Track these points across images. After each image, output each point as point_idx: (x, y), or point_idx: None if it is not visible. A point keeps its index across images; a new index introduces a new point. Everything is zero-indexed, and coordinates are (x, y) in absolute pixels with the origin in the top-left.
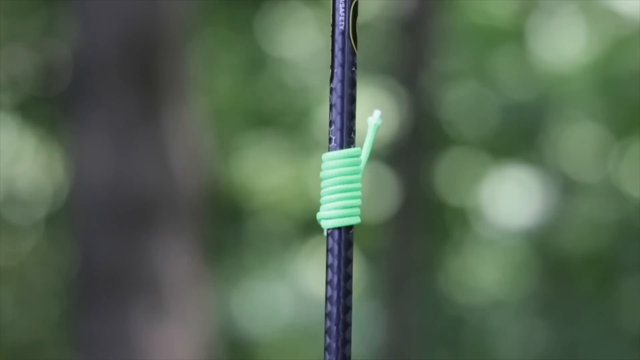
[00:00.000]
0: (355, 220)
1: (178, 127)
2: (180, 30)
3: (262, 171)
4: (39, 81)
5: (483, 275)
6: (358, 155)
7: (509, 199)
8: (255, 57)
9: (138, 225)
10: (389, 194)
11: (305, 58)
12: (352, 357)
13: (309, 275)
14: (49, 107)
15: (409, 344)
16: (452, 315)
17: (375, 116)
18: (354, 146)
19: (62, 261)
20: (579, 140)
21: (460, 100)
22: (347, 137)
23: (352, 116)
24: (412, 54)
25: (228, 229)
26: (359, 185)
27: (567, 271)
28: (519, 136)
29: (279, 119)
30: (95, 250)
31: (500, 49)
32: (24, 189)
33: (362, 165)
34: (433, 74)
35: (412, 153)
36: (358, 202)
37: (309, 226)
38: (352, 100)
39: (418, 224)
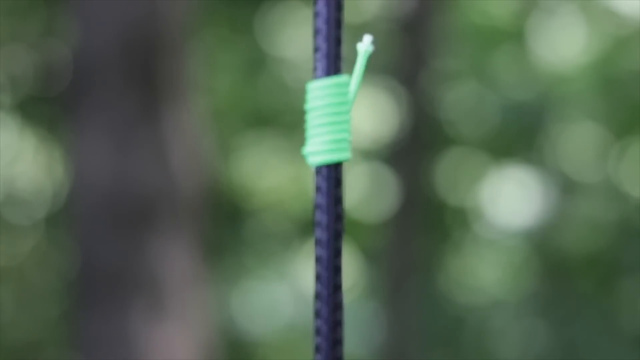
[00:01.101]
0: (345, 155)
1: (178, 127)
2: (180, 30)
3: (262, 171)
4: (39, 81)
5: (483, 275)
6: (347, 84)
7: (509, 199)
8: (255, 57)
9: (138, 225)
10: (389, 194)
11: (305, 58)
12: (352, 357)
13: (309, 275)
14: (49, 107)
15: (409, 344)
16: (452, 315)
17: (365, 42)
18: (341, 74)
19: (62, 261)
20: (579, 140)
21: (460, 100)
22: (334, 65)
23: (338, 42)
24: (412, 54)
25: (228, 229)
26: (348, 117)
27: (567, 271)
28: (519, 136)
29: (279, 119)
30: (95, 250)
31: (500, 49)
32: (24, 189)
33: (351, 96)
34: (433, 74)
35: (412, 153)
36: (347, 135)
37: (309, 226)
38: (339, 25)
39: (418, 224)
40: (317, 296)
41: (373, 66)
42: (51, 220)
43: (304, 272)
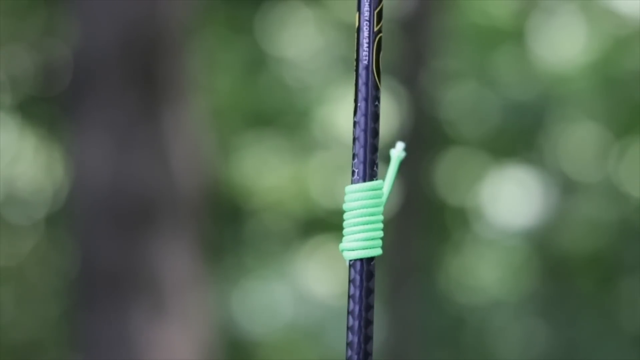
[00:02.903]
0: (376, 252)
1: (178, 127)
2: (180, 30)
3: (262, 171)
4: (39, 81)
5: (483, 275)
6: (380, 188)
7: (509, 199)
8: (255, 57)
9: (138, 225)
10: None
11: (305, 58)
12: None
13: (309, 275)
14: (49, 107)
15: (409, 344)
16: (452, 315)
17: (398, 148)
18: (377, 179)
19: (62, 261)
20: (579, 140)
21: (460, 100)
22: (369, 170)
23: (374, 149)
24: (412, 54)
25: (228, 229)
26: (380, 217)
27: (567, 271)
28: (519, 136)
29: (279, 119)
30: (95, 250)
31: (500, 49)
32: (24, 189)
33: (384, 198)
34: (433, 74)
35: (412, 153)
36: (380, 234)
37: (309, 226)
38: (375, 134)
39: (418, 224)
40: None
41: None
42: (51, 220)
43: (304, 272)
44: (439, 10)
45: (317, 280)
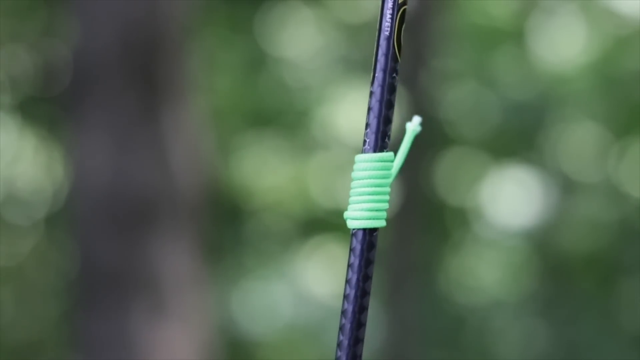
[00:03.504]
0: (380, 223)
1: (178, 127)
2: (180, 30)
3: (262, 171)
4: (39, 81)
5: (483, 275)
6: (390, 160)
7: (509, 199)
8: (255, 57)
9: (138, 225)
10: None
11: (305, 58)
12: None
13: (309, 275)
14: (49, 107)
15: (409, 344)
16: (452, 315)
17: (414, 122)
18: (387, 151)
19: (62, 261)
20: (579, 140)
21: (460, 100)
22: (380, 141)
23: (388, 121)
24: (412, 54)
25: (228, 229)
26: (388, 189)
27: (567, 271)
28: (519, 136)
29: (279, 119)
30: (95, 250)
31: (500, 49)
32: (24, 189)
33: (393, 170)
34: (433, 74)
35: (412, 153)
36: (385, 205)
37: (309, 226)
38: (390, 106)
39: (418, 224)
40: (339, 345)
41: (372, 66)
42: (51, 220)
43: (304, 272)
44: (439, 10)
45: (317, 280)
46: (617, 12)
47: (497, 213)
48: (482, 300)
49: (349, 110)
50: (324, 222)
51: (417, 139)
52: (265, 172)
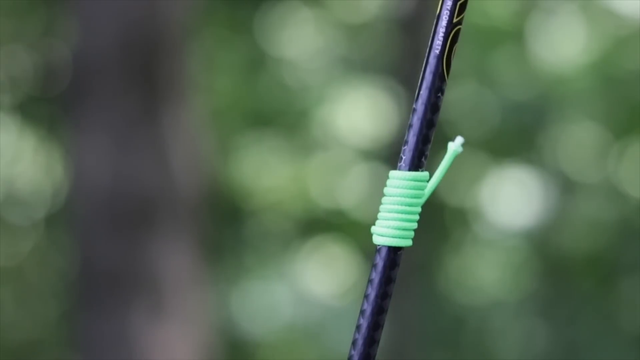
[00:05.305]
0: (407, 242)
1: (178, 127)
2: (180, 30)
3: (262, 171)
4: (39, 81)
5: (483, 275)
6: (424, 180)
7: (509, 199)
8: (255, 57)
9: (138, 225)
10: None
11: (305, 58)
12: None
13: (309, 275)
14: (49, 107)
15: (409, 344)
16: (452, 315)
17: (456, 143)
18: (423, 170)
19: (62, 261)
20: (579, 140)
21: (460, 100)
22: (417, 160)
23: (427, 140)
24: (412, 54)
25: (228, 229)
26: (418, 209)
27: (567, 271)
28: (519, 136)
29: (279, 119)
30: (95, 250)
31: (500, 49)
32: (24, 189)
33: (427, 190)
34: None
35: None
36: (414, 225)
37: (309, 226)
38: (431, 125)
39: (418, 224)
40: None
41: (373, 66)
42: (51, 220)
43: (304, 272)
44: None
45: (317, 280)
46: (617, 12)
47: (497, 213)
48: (482, 300)
49: (349, 110)
50: (324, 222)
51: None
52: (265, 172)
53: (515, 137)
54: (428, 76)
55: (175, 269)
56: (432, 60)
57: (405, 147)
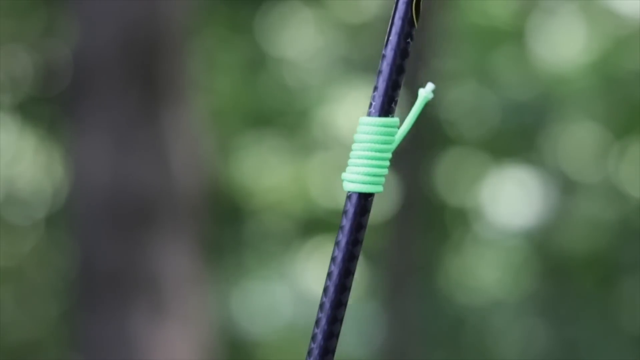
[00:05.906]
0: (377, 188)
1: (178, 127)
2: (180, 30)
3: (262, 171)
4: (39, 81)
5: (483, 275)
6: (394, 126)
7: (509, 199)
8: (255, 57)
9: (138, 225)
10: (389, 194)
11: (305, 58)
12: (352, 357)
13: (309, 275)
14: (49, 107)
15: (409, 344)
16: (452, 315)
17: (427, 89)
18: (392, 116)
19: (62, 261)
20: (579, 140)
21: (460, 100)
22: (387, 106)
23: (397, 86)
24: (412, 54)
25: (228, 229)
26: (388, 155)
27: (567, 271)
28: (519, 136)
29: (279, 119)
30: (95, 250)
31: (500, 49)
32: (24, 189)
33: (397, 137)
34: (433, 74)
35: (412, 153)
36: (384, 172)
37: (309, 226)
38: (401, 71)
39: (418, 224)
40: (321, 306)
41: (373, 66)
42: (51, 220)
43: (304, 272)
44: (439, 10)
45: (317, 281)
46: (617, 12)
47: (497, 213)
48: (482, 300)
49: (349, 110)
50: (324, 222)
51: (417, 139)
52: (265, 172)
53: (516, 137)
54: (397, 22)
55: (175, 269)
56: (402, 6)
57: (375, 93)
